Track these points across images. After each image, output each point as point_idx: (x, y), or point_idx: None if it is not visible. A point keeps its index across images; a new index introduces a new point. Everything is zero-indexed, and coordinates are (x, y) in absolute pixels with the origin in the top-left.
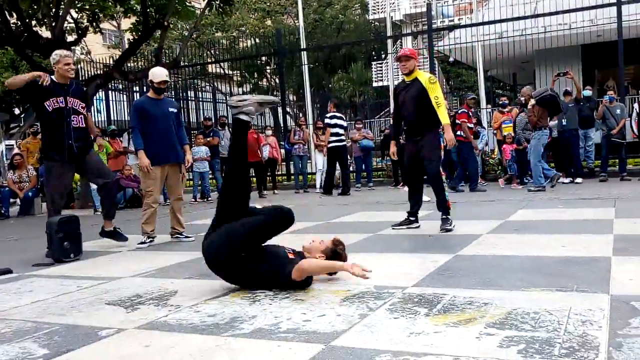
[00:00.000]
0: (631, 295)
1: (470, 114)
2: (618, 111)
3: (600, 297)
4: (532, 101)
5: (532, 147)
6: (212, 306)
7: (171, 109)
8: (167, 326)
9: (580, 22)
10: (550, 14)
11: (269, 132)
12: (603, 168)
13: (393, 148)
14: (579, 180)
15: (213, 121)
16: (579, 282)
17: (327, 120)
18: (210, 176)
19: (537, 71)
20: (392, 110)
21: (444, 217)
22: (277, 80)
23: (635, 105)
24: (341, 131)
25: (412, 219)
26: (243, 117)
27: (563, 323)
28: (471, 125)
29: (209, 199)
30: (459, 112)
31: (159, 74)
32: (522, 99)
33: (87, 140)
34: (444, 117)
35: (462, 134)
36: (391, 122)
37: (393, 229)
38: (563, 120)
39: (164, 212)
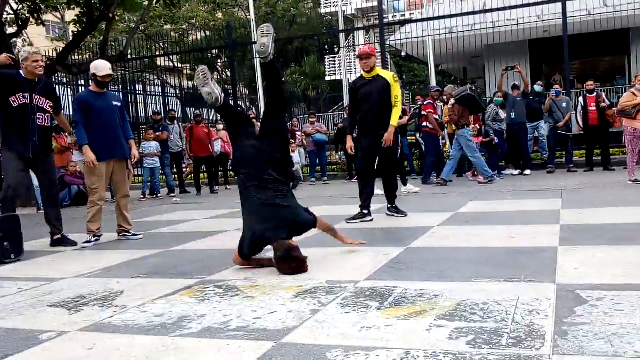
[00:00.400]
0: (576, 284)
1: (436, 105)
2: (564, 105)
3: (546, 287)
4: (452, 100)
5: (462, 145)
6: (159, 306)
7: (115, 103)
8: (112, 328)
9: (527, 18)
10: (499, 9)
11: (221, 126)
12: (550, 160)
13: (350, 142)
14: (527, 172)
15: (162, 115)
16: (526, 272)
17: None
18: (160, 172)
19: (486, 66)
20: (348, 106)
21: (394, 205)
22: (228, 74)
23: (580, 99)
24: None
25: (365, 212)
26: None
27: (511, 313)
28: (437, 117)
29: (159, 195)
30: (425, 103)
31: (102, 67)
32: (445, 97)
33: (50, 139)
34: (395, 118)
35: (428, 125)
36: (346, 117)
37: (347, 223)
38: (512, 114)
39: (112, 209)
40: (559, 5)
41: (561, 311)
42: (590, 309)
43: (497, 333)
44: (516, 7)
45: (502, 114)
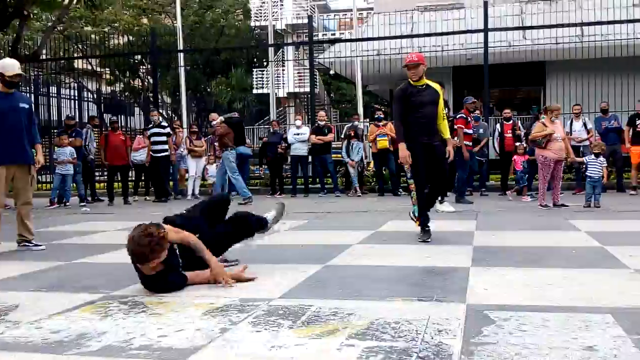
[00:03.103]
0: (485, 305)
1: (470, 119)
2: (481, 130)
3: (457, 307)
4: (221, 118)
5: (226, 165)
6: (57, 322)
7: (22, 105)
8: (2, 345)
9: (452, 46)
10: (426, 35)
11: (148, 133)
12: (467, 183)
13: (406, 152)
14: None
15: (76, 120)
16: (438, 291)
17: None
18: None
19: None
20: (399, 113)
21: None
22: (151, 81)
23: (498, 126)
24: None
25: (427, 228)
26: None
27: (421, 332)
28: (469, 131)
29: (67, 203)
30: (457, 117)
31: (10, 66)
32: (213, 122)
33: None
34: (447, 131)
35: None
36: (398, 126)
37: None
38: None
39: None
40: (482, 35)
41: (469, 331)
42: (497, 329)
43: (406, 352)
44: (442, 34)
45: None
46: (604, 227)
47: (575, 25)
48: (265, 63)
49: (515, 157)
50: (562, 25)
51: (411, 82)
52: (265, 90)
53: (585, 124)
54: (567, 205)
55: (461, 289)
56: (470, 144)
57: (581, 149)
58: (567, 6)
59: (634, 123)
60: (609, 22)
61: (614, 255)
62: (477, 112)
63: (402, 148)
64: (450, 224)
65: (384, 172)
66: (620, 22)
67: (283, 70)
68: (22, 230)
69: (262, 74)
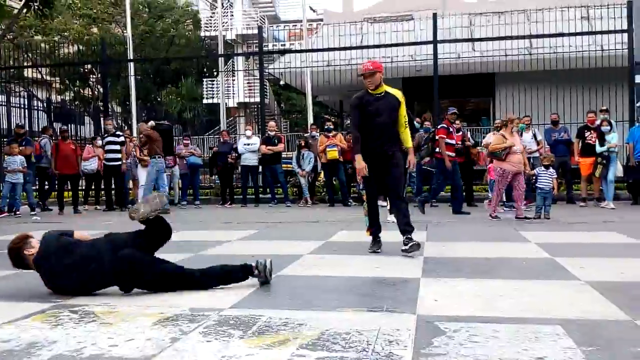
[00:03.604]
0: (435, 316)
1: (451, 129)
2: None
3: (407, 317)
4: (151, 123)
5: (149, 172)
6: (7, 331)
7: None
8: None
9: (402, 57)
10: (375, 46)
11: (99, 142)
12: (417, 194)
13: (363, 163)
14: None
15: (26, 129)
16: (389, 302)
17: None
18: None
19: None
20: (354, 123)
21: (408, 236)
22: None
23: None
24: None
25: (378, 239)
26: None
27: (372, 343)
28: (451, 142)
29: (17, 212)
30: (438, 127)
31: None
32: (143, 128)
33: None
34: (409, 140)
35: (439, 150)
36: (354, 136)
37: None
38: None
39: None
40: (431, 46)
41: (420, 342)
42: (447, 340)
43: None
44: (391, 45)
45: None
46: (554, 238)
47: (524, 37)
48: (215, 73)
49: (490, 165)
50: (511, 38)
51: (369, 90)
52: (215, 100)
53: (535, 135)
54: (529, 218)
55: (412, 299)
56: (454, 154)
57: (531, 160)
58: (515, 18)
59: (583, 135)
60: (557, 35)
61: (564, 267)
62: (428, 123)
63: (358, 159)
64: (400, 235)
65: (334, 182)
66: (569, 34)
67: (233, 80)
68: None
69: (212, 84)
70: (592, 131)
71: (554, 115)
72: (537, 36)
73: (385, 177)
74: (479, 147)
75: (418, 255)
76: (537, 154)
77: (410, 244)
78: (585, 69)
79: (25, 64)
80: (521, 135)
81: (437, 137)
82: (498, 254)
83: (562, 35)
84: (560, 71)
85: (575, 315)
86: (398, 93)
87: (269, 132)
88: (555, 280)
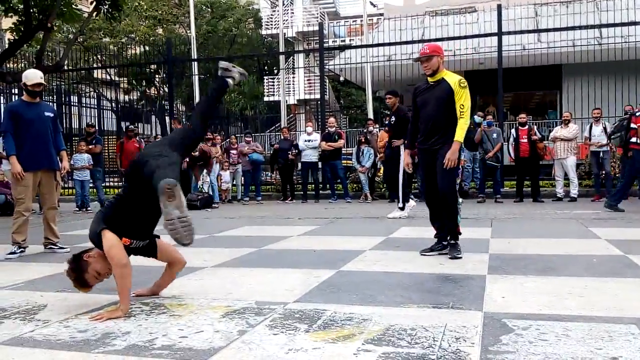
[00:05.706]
0: (502, 313)
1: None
2: (495, 135)
3: (474, 314)
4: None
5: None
6: (83, 321)
7: (47, 113)
8: (33, 342)
9: (464, 50)
10: (437, 39)
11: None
12: (480, 190)
13: (408, 159)
14: (459, 200)
15: (96, 128)
16: (454, 299)
17: None
18: (91, 185)
19: None
20: (411, 115)
21: (452, 242)
22: (166, 89)
23: (513, 131)
24: None
25: (444, 243)
26: (229, 80)
27: (438, 339)
28: None
29: (88, 209)
30: (637, 114)
31: (32, 76)
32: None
33: None
34: (460, 132)
35: (638, 140)
36: (408, 129)
37: (422, 254)
38: None
39: (39, 221)
40: (495, 38)
41: (487, 339)
42: (516, 338)
43: (424, 359)
44: (453, 38)
45: None
46: (627, 235)
47: (593, 27)
48: (276, 70)
49: None
50: (580, 28)
51: (427, 78)
52: (276, 98)
53: (605, 129)
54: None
55: (477, 296)
56: None
57: (601, 154)
58: (584, 7)
59: None
60: (629, 24)
61: (638, 265)
62: (490, 117)
63: (405, 155)
64: (465, 231)
65: None
66: None
67: (293, 77)
68: (48, 234)
69: (273, 82)
70: None
71: (629, 107)
72: (607, 25)
73: (432, 176)
74: (545, 142)
75: (483, 252)
76: (606, 148)
77: (450, 255)
78: None
79: (94, 65)
80: (591, 128)
81: (634, 126)
82: (566, 250)
83: (634, 24)
84: (632, 61)
85: None
86: (454, 80)
87: (329, 128)
88: (628, 278)
